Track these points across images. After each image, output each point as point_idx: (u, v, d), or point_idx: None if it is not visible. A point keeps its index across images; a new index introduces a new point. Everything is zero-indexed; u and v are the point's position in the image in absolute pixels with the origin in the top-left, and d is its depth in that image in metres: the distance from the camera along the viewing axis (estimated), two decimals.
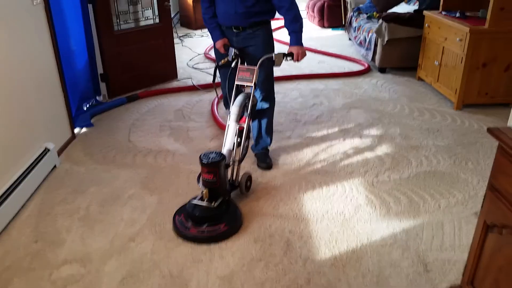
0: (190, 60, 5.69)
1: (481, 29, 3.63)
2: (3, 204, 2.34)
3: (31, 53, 2.88)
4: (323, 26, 7.84)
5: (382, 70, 5.08)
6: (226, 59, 2.70)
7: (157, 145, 3.37)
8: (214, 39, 2.84)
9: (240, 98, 2.61)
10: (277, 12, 2.75)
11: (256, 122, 2.98)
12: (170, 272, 2.05)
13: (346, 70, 5.18)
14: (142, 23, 4.58)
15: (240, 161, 2.60)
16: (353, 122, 3.71)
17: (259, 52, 2.71)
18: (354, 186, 2.74)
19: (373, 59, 5.16)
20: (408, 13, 4.86)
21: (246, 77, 2.60)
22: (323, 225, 2.38)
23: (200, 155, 2.32)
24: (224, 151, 2.51)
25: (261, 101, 2.89)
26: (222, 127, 3.57)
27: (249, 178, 2.68)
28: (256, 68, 2.59)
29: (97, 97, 4.25)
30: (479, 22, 3.73)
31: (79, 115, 3.80)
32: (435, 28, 4.27)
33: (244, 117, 2.65)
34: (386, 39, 4.78)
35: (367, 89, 4.52)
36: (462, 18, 3.94)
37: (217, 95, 3.01)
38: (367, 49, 5.33)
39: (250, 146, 3.06)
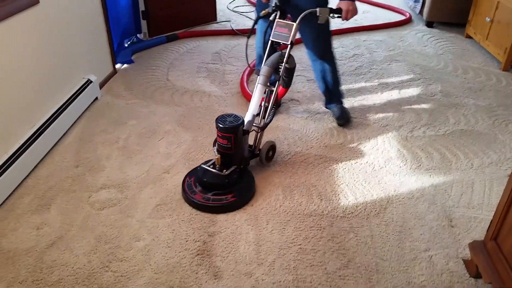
0: (230, 3, 5.59)
1: None
2: (48, 129, 2.48)
3: None
4: None
5: (429, 24, 4.85)
6: (267, 10, 2.37)
7: (194, 85, 3.42)
8: None
9: (273, 57, 2.27)
10: None
11: (321, 83, 2.82)
12: None
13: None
14: None
15: (263, 128, 2.32)
16: (393, 76, 3.62)
17: (306, 5, 2.33)
18: (387, 139, 2.73)
19: (421, 12, 4.92)
20: None
21: (283, 34, 2.26)
22: (350, 174, 2.41)
23: (217, 118, 2.13)
24: (247, 115, 2.22)
25: (320, 62, 2.70)
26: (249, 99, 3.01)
27: (272, 147, 2.42)
28: (295, 24, 2.25)
29: (138, 35, 4.30)
30: None
31: (120, 51, 3.87)
32: None
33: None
34: None
35: (411, 43, 4.36)
36: None
37: (248, 64, 2.66)
38: (416, 1, 5.07)
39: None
